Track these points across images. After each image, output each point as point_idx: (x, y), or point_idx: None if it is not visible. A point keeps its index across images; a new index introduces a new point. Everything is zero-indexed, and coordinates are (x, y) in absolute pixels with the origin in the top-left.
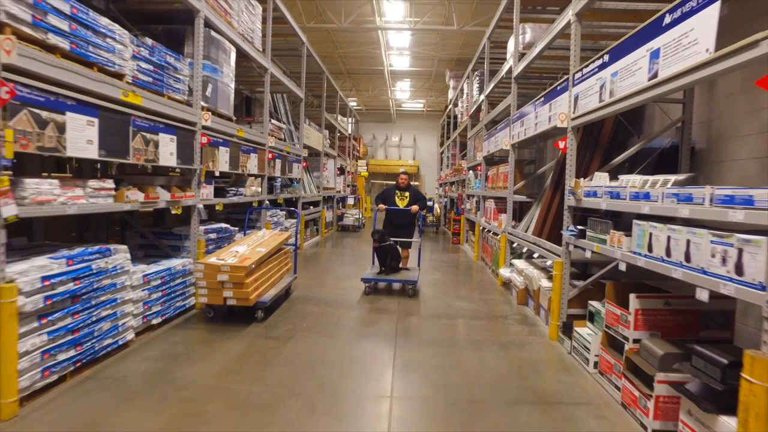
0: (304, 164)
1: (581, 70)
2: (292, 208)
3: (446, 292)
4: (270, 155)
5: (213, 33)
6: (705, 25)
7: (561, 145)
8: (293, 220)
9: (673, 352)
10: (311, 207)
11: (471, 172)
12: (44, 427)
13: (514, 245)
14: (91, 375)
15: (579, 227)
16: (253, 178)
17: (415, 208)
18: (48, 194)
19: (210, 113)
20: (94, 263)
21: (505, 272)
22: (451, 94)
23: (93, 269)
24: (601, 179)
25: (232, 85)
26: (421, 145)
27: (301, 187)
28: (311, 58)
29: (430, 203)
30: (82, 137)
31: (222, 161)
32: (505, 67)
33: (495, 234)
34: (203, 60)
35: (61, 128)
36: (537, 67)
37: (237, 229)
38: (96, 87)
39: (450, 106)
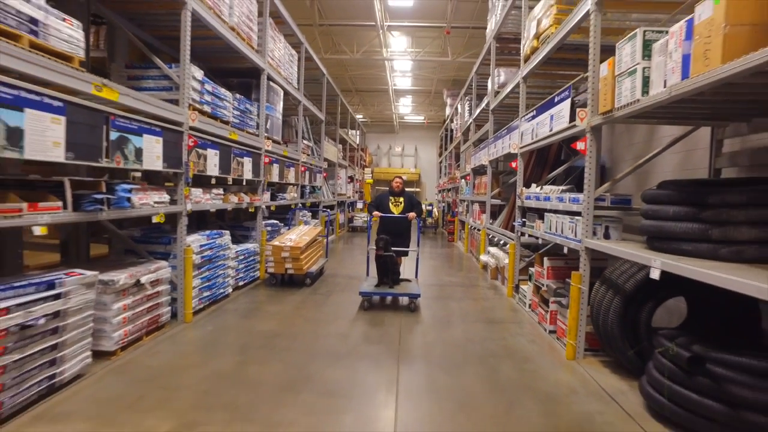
0: (324, 174)
1: (524, 116)
2: (316, 209)
3: (440, 272)
4: (302, 168)
5: (271, 83)
6: (566, 108)
7: (514, 165)
8: (316, 219)
9: (560, 287)
10: (329, 210)
11: (463, 180)
12: (209, 326)
13: (491, 237)
14: (216, 308)
15: (523, 219)
16: (292, 186)
17: (412, 215)
18: (198, 197)
19: (270, 141)
20: (216, 240)
21: (483, 257)
22: (448, 110)
23: (216, 243)
24: (533, 188)
25: (281, 117)
26: (422, 155)
27: (321, 193)
28: (329, 85)
29: (429, 207)
30: (211, 163)
31: (275, 174)
32: (485, 101)
33: (478, 230)
34: (266, 103)
35: (204, 158)
36: (507, 102)
37: (282, 224)
38: (219, 131)
39: (447, 121)
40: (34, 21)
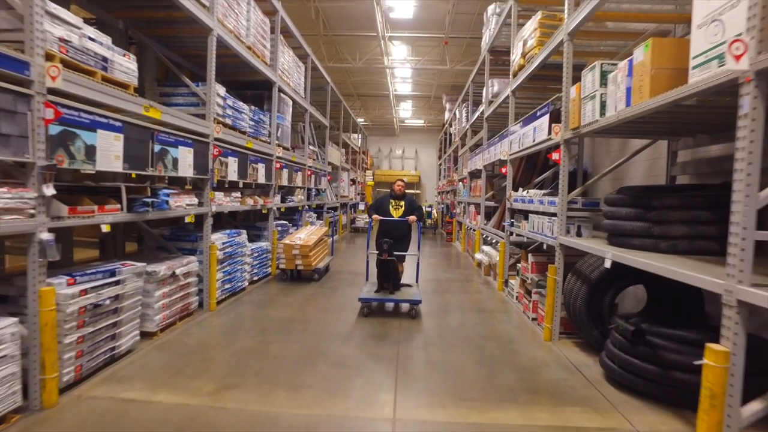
0: (329, 177)
1: (513, 126)
2: (321, 210)
3: (438, 270)
4: (309, 172)
5: (282, 95)
6: (545, 122)
7: (504, 170)
8: (321, 220)
9: (541, 279)
10: (332, 211)
11: (460, 183)
12: (231, 314)
13: (485, 236)
14: (235, 299)
15: (511, 220)
16: (299, 189)
17: (412, 218)
18: (221, 200)
19: (281, 147)
20: (235, 239)
21: (477, 256)
22: (447, 115)
23: (235, 241)
24: (520, 192)
25: (290, 125)
26: (422, 157)
27: (326, 195)
28: (332, 92)
29: (429, 209)
30: (231, 169)
31: (284, 178)
32: (480, 109)
33: (474, 230)
34: (277, 113)
35: (226, 165)
36: (500, 111)
37: (291, 224)
38: (238, 141)
39: (446, 125)
40: (105, 59)
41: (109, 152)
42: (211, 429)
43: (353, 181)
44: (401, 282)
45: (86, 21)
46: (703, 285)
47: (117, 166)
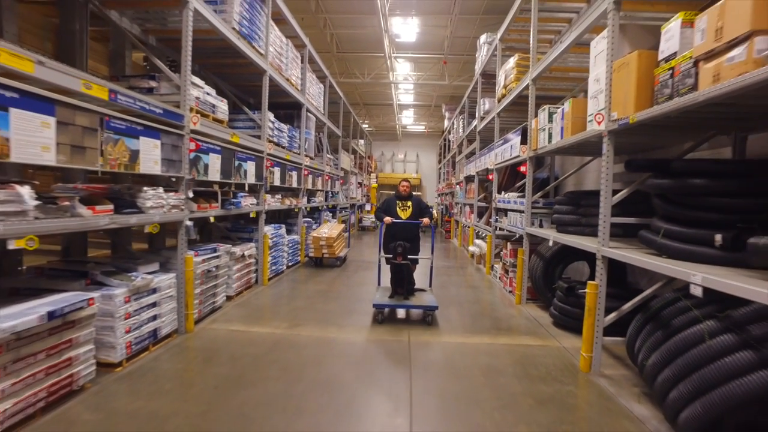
0: (341, 181)
1: (497, 142)
2: (334, 210)
3: (438, 260)
4: (327, 177)
5: (308, 113)
6: (517, 142)
7: (490, 177)
8: (335, 219)
9: (515, 261)
10: (344, 211)
11: (457, 186)
12: (280, 287)
13: (477, 232)
14: (278, 279)
15: (496, 217)
16: (319, 191)
17: (426, 220)
18: (269, 201)
19: (308, 158)
20: (278, 231)
21: (471, 248)
22: (446, 123)
23: (278, 233)
24: (502, 195)
25: (313, 138)
26: (423, 161)
27: (339, 197)
28: (344, 105)
29: (431, 210)
30: (277, 176)
31: (309, 183)
32: (474, 123)
33: (468, 227)
34: (305, 129)
35: (272, 173)
36: (489, 126)
37: (313, 221)
38: (280, 154)
39: (445, 132)
40: (213, 106)
41: (214, 168)
42: (294, 343)
43: (360, 184)
44: (415, 287)
45: (169, 63)
46: (589, 249)
47: (217, 177)
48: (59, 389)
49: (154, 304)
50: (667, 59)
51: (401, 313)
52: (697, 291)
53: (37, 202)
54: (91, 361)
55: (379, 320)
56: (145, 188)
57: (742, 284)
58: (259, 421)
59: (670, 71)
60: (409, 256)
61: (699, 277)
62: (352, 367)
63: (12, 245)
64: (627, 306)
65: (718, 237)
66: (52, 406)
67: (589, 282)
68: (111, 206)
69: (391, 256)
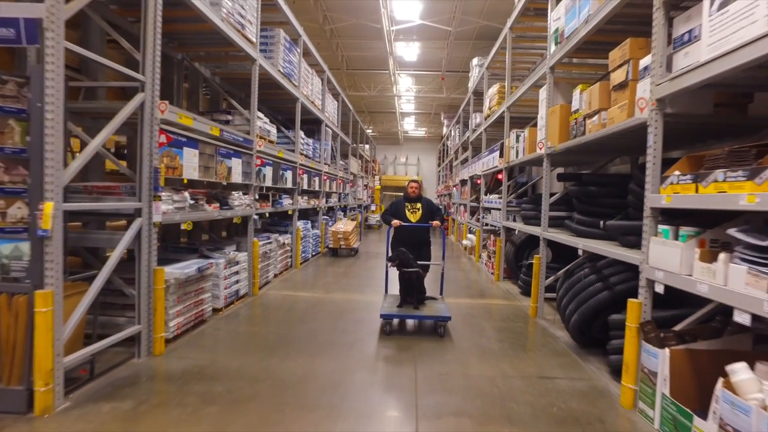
0: (351, 184)
1: (483, 153)
2: (344, 210)
3: (436, 252)
4: (340, 181)
5: (326, 128)
6: (496, 155)
7: (479, 181)
8: (346, 218)
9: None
10: (352, 211)
11: (454, 188)
12: (309, 269)
13: (469, 228)
14: (306, 264)
15: (484, 215)
16: (334, 193)
17: (436, 222)
18: (301, 202)
19: (326, 165)
20: (306, 225)
21: (464, 242)
22: (444, 129)
23: (307, 228)
24: (488, 196)
25: (329, 147)
26: (424, 164)
27: (348, 198)
28: (353, 116)
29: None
30: (305, 181)
31: (327, 186)
32: (467, 134)
33: (462, 223)
34: (324, 140)
35: (303, 179)
36: (480, 137)
37: (330, 219)
38: (308, 163)
39: (444, 138)
40: (268, 131)
41: (269, 177)
42: (331, 300)
43: (365, 186)
44: (426, 295)
45: (229, 95)
46: (535, 233)
47: (270, 183)
48: (198, 316)
49: (237, 273)
50: (574, 112)
51: (410, 323)
52: (580, 253)
53: (192, 201)
54: (210, 303)
55: (387, 331)
56: (233, 192)
57: (591, 245)
58: (321, 335)
59: (575, 120)
60: (419, 262)
61: (581, 244)
62: (374, 313)
63: (182, 226)
64: (560, 273)
65: (601, 223)
66: (196, 326)
67: (535, 256)
68: (218, 204)
69: (398, 262)
